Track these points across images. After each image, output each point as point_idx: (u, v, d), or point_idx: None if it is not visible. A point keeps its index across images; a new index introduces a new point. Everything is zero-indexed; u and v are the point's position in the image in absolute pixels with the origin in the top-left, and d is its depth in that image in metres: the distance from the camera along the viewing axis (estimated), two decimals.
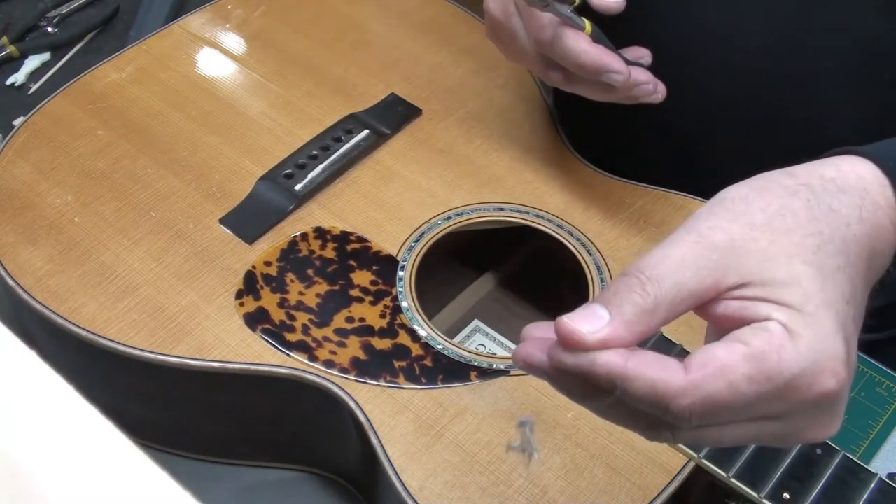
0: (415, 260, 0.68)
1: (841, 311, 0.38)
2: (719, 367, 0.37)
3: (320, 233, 0.69)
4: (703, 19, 0.69)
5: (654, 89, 0.63)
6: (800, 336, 0.37)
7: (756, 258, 0.38)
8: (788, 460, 0.55)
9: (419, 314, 0.65)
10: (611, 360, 0.37)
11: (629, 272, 0.38)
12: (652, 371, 0.37)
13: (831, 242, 0.39)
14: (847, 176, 0.42)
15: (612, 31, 0.62)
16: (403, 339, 0.63)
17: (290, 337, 0.63)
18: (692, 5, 0.69)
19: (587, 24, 0.60)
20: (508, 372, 0.62)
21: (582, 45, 0.60)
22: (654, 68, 0.64)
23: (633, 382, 0.37)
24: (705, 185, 0.73)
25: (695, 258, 0.38)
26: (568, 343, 0.37)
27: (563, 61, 0.62)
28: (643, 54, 0.65)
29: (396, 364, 0.62)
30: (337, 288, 0.66)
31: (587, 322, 0.37)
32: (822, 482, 0.54)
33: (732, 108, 0.71)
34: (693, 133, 0.74)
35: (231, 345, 0.62)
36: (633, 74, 0.62)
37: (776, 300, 0.38)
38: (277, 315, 0.64)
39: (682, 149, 0.75)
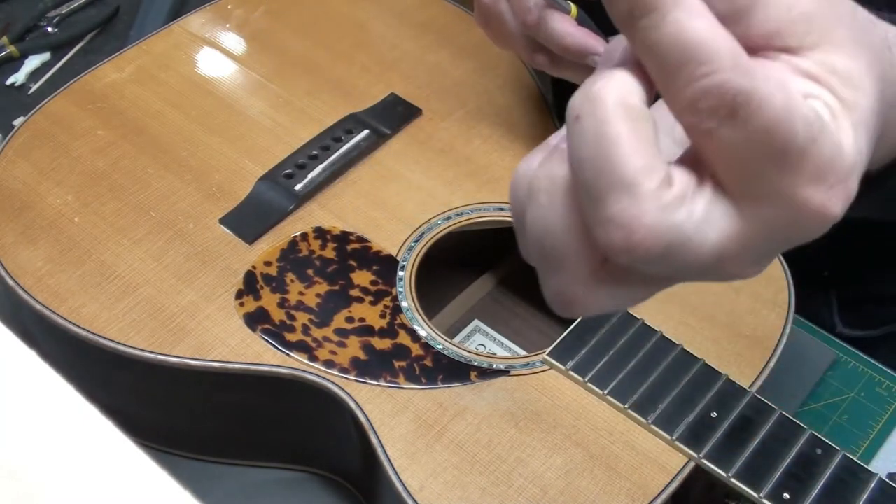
0: (415, 260, 0.68)
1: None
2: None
3: (320, 233, 0.69)
4: None
5: None
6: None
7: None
8: (788, 460, 0.55)
9: (419, 314, 0.65)
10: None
11: None
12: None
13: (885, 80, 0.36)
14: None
15: (599, 18, 0.63)
16: (403, 339, 0.63)
17: (290, 337, 0.63)
18: None
19: (573, 7, 0.61)
20: (508, 372, 0.62)
21: (567, 27, 0.62)
22: None
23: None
24: None
25: None
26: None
27: (549, 43, 0.63)
28: None
29: (396, 364, 0.62)
30: (337, 288, 0.66)
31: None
32: (822, 482, 0.54)
33: None
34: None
35: (231, 345, 0.62)
36: None
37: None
38: (277, 315, 0.64)
39: None
